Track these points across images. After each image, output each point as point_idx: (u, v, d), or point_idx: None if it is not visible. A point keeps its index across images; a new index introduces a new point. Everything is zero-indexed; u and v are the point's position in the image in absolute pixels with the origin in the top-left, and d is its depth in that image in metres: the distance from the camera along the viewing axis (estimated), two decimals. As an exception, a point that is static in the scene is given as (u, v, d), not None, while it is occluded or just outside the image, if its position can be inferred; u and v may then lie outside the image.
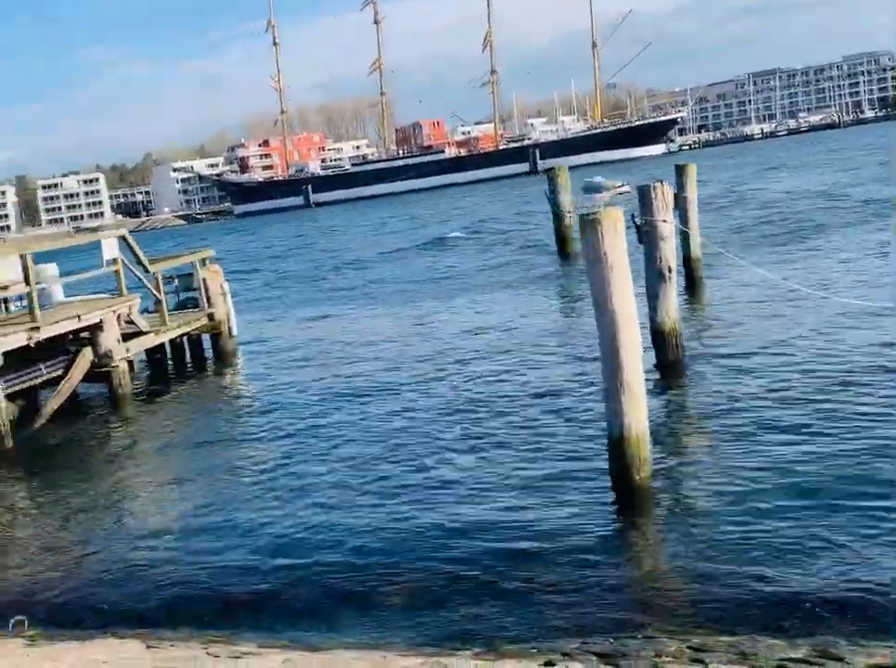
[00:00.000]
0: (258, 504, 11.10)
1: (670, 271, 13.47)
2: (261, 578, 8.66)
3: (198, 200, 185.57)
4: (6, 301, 18.49)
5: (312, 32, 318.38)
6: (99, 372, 17.59)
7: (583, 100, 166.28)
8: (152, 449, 14.86)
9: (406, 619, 7.55)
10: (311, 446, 13.22)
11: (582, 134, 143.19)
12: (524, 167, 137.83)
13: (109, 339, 17.53)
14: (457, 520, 9.41)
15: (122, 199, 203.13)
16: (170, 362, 21.30)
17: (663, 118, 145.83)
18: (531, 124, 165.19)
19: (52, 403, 16.58)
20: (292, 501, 11.01)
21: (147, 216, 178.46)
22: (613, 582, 7.90)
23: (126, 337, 18.16)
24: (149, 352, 20.52)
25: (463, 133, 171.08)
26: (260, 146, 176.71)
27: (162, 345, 20.61)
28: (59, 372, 17.08)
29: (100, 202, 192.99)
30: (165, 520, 11.06)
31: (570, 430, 11.70)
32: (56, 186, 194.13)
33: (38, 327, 15.83)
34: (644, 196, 13.50)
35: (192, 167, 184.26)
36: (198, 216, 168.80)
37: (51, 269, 18.67)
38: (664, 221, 13.23)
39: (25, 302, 18.77)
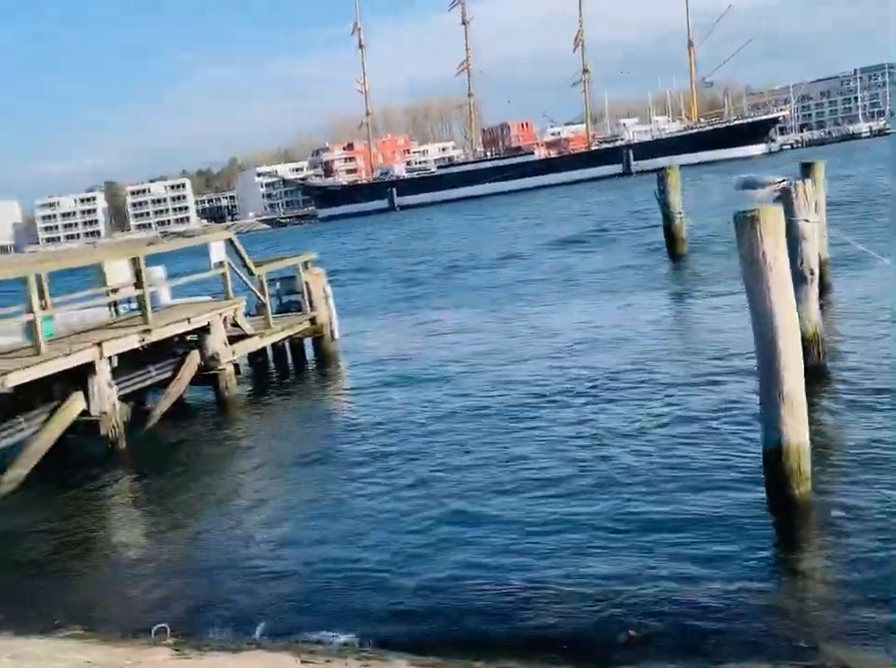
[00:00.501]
0: (371, 511, 11.05)
1: (811, 273, 12.97)
2: (397, 591, 8.52)
3: (282, 204, 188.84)
4: (115, 303, 18.89)
5: (398, 34, 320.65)
6: (206, 375, 17.83)
7: (678, 99, 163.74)
8: (261, 453, 14.95)
9: (557, 638, 7.30)
10: (422, 455, 13.03)
11: (678, 134, 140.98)
12: (617, 169, 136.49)
13: (216, 341, 17.74)
14: (600, 538, 9.11)
15: (207, 205, 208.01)
16: (271, 365, 21.50)
17: (764, 116, 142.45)
18: (624, 125, 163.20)
19: (162, 405, 16.83)
20: (409, 511, 10.88)
21: (232, 221, 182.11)
22: (774, 604, 7.53)
23: (231, 340, 18.37)
24: (251, 355, 20.72)
25: (552, 134, 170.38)
26: (344, 149, 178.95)
27: (264, 349, 20.80)
28: (167, 375, 17.36)
29: (186, 208, 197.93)
30: (280, 525, 11.09)
31: (713, 440, 11.32)
32: (144, 191, 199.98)
33: (150, 330, 16.08)
34: (785, 194, 13.03)
35: (276, 171, 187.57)
36: (282, 220, 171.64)
37: (159, 271, 18.99)
38: (806, 220, 12.71)
39: (134, 305, 19.21)
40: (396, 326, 25.66)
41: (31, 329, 16.07)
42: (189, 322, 17.13)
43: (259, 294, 19.36)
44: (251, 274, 19.06)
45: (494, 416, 14.36)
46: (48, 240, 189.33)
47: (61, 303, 17.51)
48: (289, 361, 21.57)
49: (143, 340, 16.01)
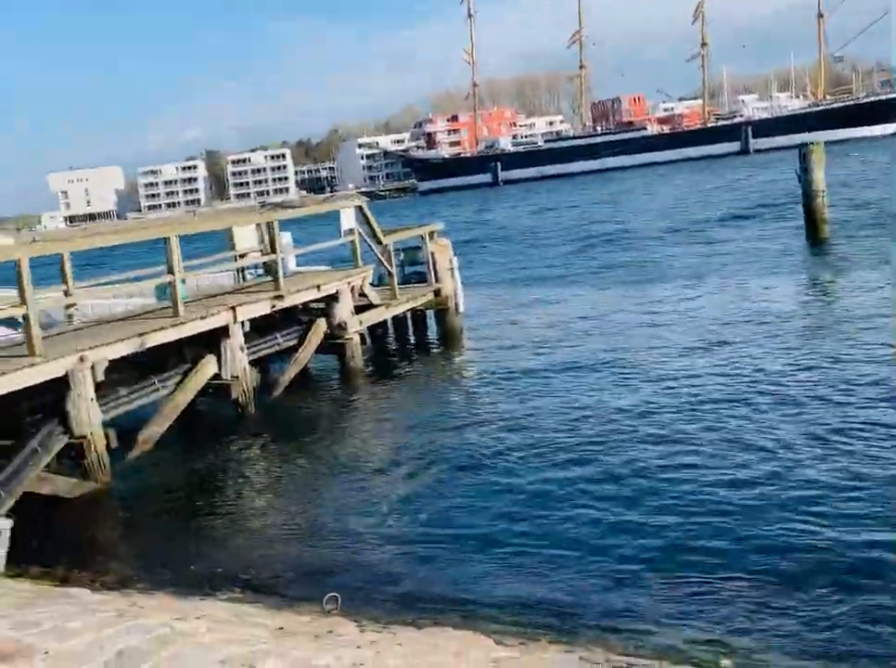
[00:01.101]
0: (496, 489, 11.13)
1: None
2: (557, 575, 8.40)
3: (382, 177, 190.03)
4: (242, 269, 19.16)
5: (508, 4, 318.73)
6: (332, 344, 17.95)
7: (801, 75, 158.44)
8: (385, 425, 15.09)
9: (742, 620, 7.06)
10: (547, 439, 12.89)
11: (802, 111, 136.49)
12: (734, 146, 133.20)
13: (344, 310, 17.84)
14: (764, 534, 8.81)
15: (307, 175, 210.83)
16: (391, 337, 21.56)
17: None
18: (742, 101, 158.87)
19: (288, 372, 17.02)
20: (538, 492, 10.88)
21: (331, 192, 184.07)
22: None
23: (356, 309, 18.43)
24: (371, 326, 20.80)
25: (665, 109, 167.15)
26: (448, 121, 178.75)
27: (384, 319, 20.85)
28: (293, 342, 17.53)
29: (286, 178, 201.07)
30: (413, 497, 11.22)
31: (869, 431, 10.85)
32: (244, 161, 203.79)
33: (282, 296, 16.23)
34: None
35: (377, 143, 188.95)
36: (381, 193, 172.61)
37: (286, 238, 19.16)
38: None
39: (260, 271, 19.48)
40: (522, 301, 25.41)
41: (167, 291, 16.43)
42: (319, 289, 17.24)
43: (386, 264, 19.37)
44: (380, 242, 19.08)
45: (625, 411, 13.77)
46: (150, 208, 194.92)
47: (191, 268, 17.82)
48: (410, 333, 21.61)
49: (274, 305, 16.17)
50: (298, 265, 21.05)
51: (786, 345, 16.55)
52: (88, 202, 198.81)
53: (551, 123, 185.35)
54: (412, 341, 21.39)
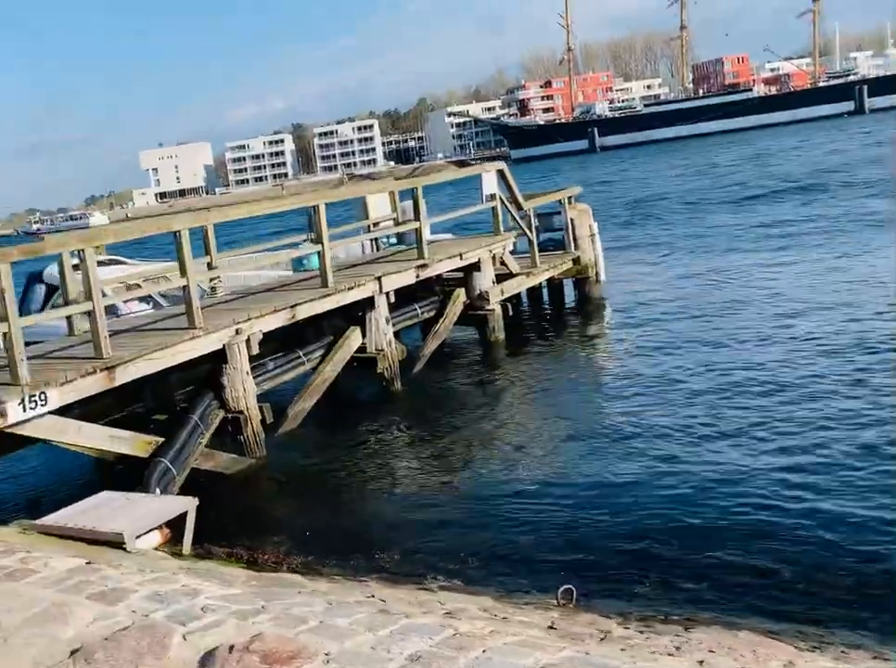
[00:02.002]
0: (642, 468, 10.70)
1: None
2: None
3: (473, 146, 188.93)
4: (376, 238, 18.79)
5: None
6: (472, 315, 17.48)
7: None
8: (530, 400, 14.62)
9: None
10: (689, 416, 12.35)
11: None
12: (848, 106, 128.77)
13: (486, 280, 17.33)
14: None
15: (395, 146, 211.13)
16: (525, 307, 20.99)
17: None
18: (854, 58, 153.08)
19: (429, 345, 16.61)
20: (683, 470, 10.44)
21: (420, 162, 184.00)
22: None
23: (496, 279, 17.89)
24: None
25: (771, 69, 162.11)
26: (541, 87, 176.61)
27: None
28: (431, 314, 17.10)
29: (373, 149, 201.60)
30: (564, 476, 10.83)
31: None
32: (331, 133, 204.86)
33: (426, 265, 15.79)
34: None
35: (468, 111, 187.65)
36: (472, 162, 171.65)
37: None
38: None
39: (392, 240, 19.08)
40: (666, 271, 24.52)
41: (304, 262, 16.18)
42: (461, 258, 16.75)
43: (526, 230, 18.78)
44: (520, 208, 18.49)
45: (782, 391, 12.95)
46: (238, 183, 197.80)
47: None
48: (546, 303, 21.04)
49: (418, 275, 15.74)
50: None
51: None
52: (178, 179, 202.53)
53: (648, 87, 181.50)
54: (549, 312, 20.81)
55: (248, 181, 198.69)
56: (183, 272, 11.40)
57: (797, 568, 7.64)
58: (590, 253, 20.28)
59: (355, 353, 14.84)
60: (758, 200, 38.92)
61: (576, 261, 20.18)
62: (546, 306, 20.85)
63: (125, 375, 10.62)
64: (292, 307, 13.13)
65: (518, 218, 18.58)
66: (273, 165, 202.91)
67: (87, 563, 6.01)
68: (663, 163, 78.59)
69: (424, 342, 16.76)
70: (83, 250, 10.15)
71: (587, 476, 10.76)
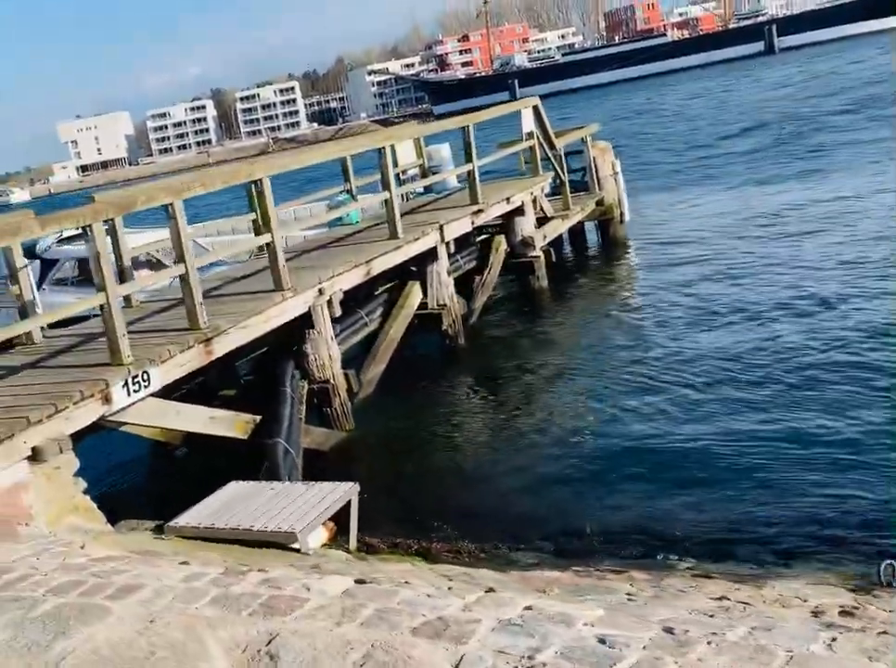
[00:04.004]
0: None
1: None
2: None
3: (395, 103, 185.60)
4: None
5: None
6: (515, 263, 16.13)
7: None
8: (589, 353, 13.32)
9: None
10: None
11: (829, 4, 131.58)
12: (758, 47, 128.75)
13: (529, 225, 15.98)
14: None
15: (317, 107, 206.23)
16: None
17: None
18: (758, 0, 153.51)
19: (479, 297, 15.23)
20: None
21: (343, 123, 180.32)
22: None
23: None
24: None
25: (680, 14, 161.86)
26: (459, 41, 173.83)
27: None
28: (473, 264, 15.69)
29: (296, 112, 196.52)
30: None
31: None
32: (252, 97, 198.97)
33: (481, 210, 14.34)
34: None
35: (387, 69, 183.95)
36: (396, 120, 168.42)
37: (445, 150, 17.22)
38: None
39: (419, 189, 17.55)
40: (687, 209, 23.16)
41: (343, 218, 14.63)
42: (508, 202, 15.34)
43: (559, 171, 17.41)
44: (553, 147, 17.09)
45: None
46: (161, 152, 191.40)
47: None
48: (567, 248, 19.77)
49: (473, 222, 14.30)
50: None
51: None
52: (99, 150, 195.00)
53: (563, 37, 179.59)
54: (570, 257, 19.54)
55: (171, 149, 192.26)
56: (266, 226, 9.81)
57: None
58: (613, 193, 19.02)
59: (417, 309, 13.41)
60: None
61: (599, 202, 18.90)
62: (565, 251, 19.51)
63: (221, 347, 9.10)
64: (367, 262, 11.62)
65: (551, 157, 17.17)
66: (196, 132, 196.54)
67: (357, 582, 4.58)
68: (601, 109, 77.23)
69: (474, 296, 15.30)
70: (171, 205, 8.47)
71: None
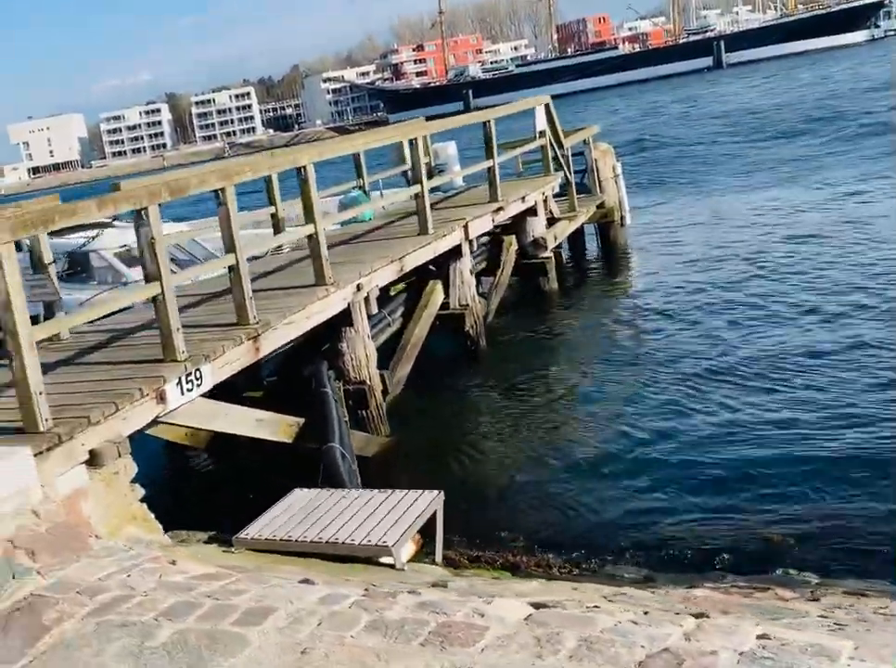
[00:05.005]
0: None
1: None
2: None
3: (350, 111, 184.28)
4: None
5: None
6: (526, 264, 15.58)
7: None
8: (607, 358, 12.82)
9: None
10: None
11: (774, 22, 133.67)
12: (706, 62, 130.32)
13: (540, 225, 15.45)
14: None
15: (272, 114, 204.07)
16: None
17: (868, 0, 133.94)
18: (705, 16, 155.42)
19: (494, 299, 14.62)
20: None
21: (299, 129, 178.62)
22: None
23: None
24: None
25: (630, 28, 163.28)
26: (414, 51, 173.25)
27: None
28: (483, 265, 15.09)
29: (252, 117, 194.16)
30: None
31: None
32: (208, 102, 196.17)
33: (502, 208, 13.76)
34: None
35: (343, 77, 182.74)
36: (351, 128, 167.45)
37: (451, 148, 16.62)
38: None
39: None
40: (687, 211, 22.82)
41: (369, 214, 13.98)
42: (524, 200, 14.78)
43: (567, 171, 16.91)
44: (561, 146, 16.58)
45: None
46: (115, 155, 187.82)
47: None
48: (566, 250, 19.25)
49: (494, 220, 13.72)
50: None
51: None
52: (51, 153, 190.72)
53: (516, 48, 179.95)
54: (570, 262, 19.02)
55: (125, 153, 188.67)
56: (309, 216, 9.11)
57: None
58: (614, 196, 18.57)
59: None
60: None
61: (600, 205, 18.43)
62: (566, 254, 19.00)
63: (269, 344, 8.39)
64: (401, 258, 10.98)
65: (560, 157, 16.65)
66: (150, 135, 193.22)
67: (535, 606, 3.95)
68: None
69: (490, 297, 14.69)
70: (222, 189, 7.74)
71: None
